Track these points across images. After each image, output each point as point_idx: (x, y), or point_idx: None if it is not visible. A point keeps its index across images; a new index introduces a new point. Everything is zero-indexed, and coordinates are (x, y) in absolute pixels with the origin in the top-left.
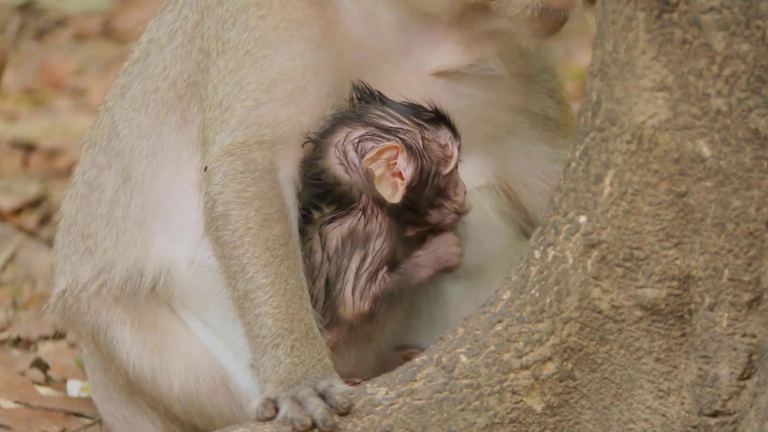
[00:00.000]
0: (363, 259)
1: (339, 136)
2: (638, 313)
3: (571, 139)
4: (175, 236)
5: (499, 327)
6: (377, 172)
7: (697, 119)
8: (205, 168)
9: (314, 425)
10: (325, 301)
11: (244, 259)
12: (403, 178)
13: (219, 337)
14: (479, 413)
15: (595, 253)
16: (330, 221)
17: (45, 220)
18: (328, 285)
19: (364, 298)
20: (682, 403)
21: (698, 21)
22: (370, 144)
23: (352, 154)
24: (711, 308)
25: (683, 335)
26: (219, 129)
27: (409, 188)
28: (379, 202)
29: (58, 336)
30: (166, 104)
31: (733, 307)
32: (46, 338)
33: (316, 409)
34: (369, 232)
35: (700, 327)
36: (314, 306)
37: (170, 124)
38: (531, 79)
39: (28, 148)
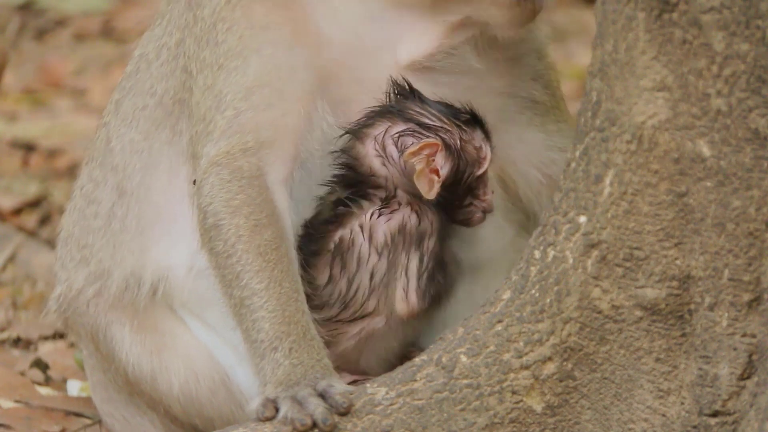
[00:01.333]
0: (421, 260)
1: (379, 129)
2: (638, 313)
3: (566, 125)
4: (173, 244)
5: (499, 327)
6: (418, 167)
7: (697, 119)
8: (194, 182)
9: (314, 425)
10: (364, 294)
11: (238, 267)
12: (439, 176)
13: (221, 337)
14: (479, 413)
15: (595, 253)
16: (378, 215)
17: (45, 220)
18: (372, 279)
19: (425, 298)
20: (682, 403)
21: (698, 21)
22: (410, 140)
23: (391, 148)
24: (711, 308)
25: (683, 335)
26: (204, 142)
27: (444, 186)
28: (415, 197)
29: (58, 336)
30: (155, 121)
31: (733, 307)
32: (46, 338)
33: (316, 408)
34: (422, 231)
35: (700, 327)
36: (340, 300)
37: (161, 139)
38: (515, 62)
39: (28, 148)
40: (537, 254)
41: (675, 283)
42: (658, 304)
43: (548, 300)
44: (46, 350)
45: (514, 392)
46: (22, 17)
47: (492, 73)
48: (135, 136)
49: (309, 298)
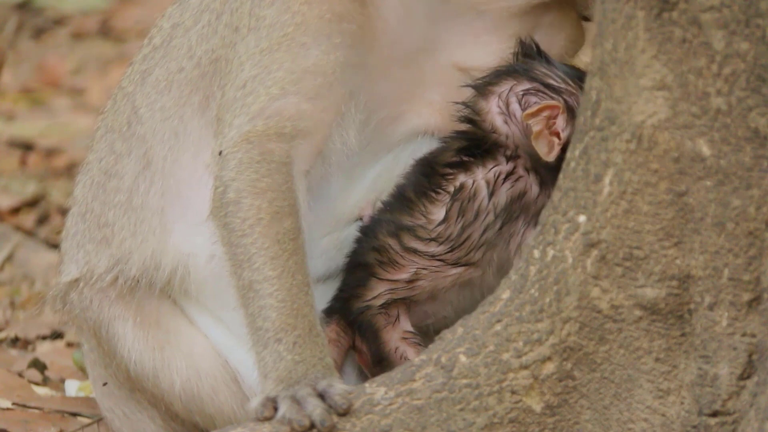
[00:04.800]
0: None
1: (504, 87)
2: (638, 312)
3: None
4: (194, 227)
5: (498, 327)
6: (535, 128)
7: (696, 118)
8: (220, 152)
9: (312, 425)
10: (473, 245)
11: (252, 249)
12: (560, 138)
13: (231, 332)
14: (478, 413)
15: (594, 252)
16: (504, 178)
17: (43, 219)
18: (483, 234)
19: None
20: (682, 403)
21: (698, 20)
22: (534, 99)
23: (514, 106)
24: (711, 308)
25: (683, 335)
26: (238, 113)
27: (564, 149)
28: (535, 159)
29: (56, 336)
30: (190, 83)
31: (732, 307)
32: (43, 338)
33: (315, 409)
34: (542, 204)
35: (700, 327)
36: (450, 242)
37: (193, 105)
38: None
39: (26, 147)
40: (536, 254)
41: (675, 283)
42: (658, 303)
43: (548, 299)
44: (44, 350)
45: (513, 392)
46: (19, 16)
47: None
48: (167, 101)
49: (420, 229)
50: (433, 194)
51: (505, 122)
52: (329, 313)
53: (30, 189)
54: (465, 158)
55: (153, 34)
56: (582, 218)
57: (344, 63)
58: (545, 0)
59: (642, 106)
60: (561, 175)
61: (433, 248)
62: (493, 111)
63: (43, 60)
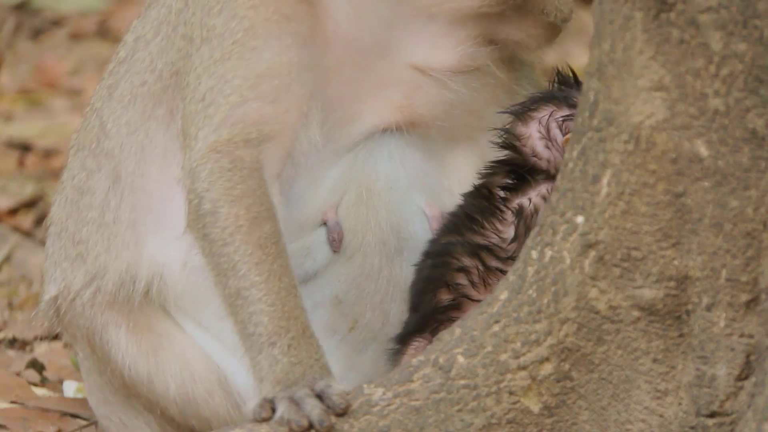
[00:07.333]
0: None
1: (543, 113)
2: (636, 313)
3: None
4: (167, 238)
5: (496, 327)
6: None
7: (694, 119)
8: (189, 167)
9: (311, 426)
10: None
11: (236, 257)
12: None
13: (215, 337)
14: (476, 414)
15: (592, 253)
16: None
17: (41, 220)
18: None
19: None
20: (680, 404)
21: (696, 21)
22: (573, 125)
23: (555, 131)
24: (708, 309)
25: (681, 336)
26: (202, 124)
27: None
28: None
29: (54, 337)
30: (153, 96)
31: (730, 308)
32: (41, 339)
33: (313, 410)
34: None
35: (698, 327)
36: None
37: (157, 118)
38: (517, 74)
39: (24, 148)
40: (534, 254)
41: (672, 284)
42: (656, 304)
43: (545, 300)
44: (41, 351)
45: (511, 393)
46: (17, 17)
47: (500, 85)
48: (132, 116)
49: (496, 248)
50: (500, 213)
51: (547, 147)
52: (409, 336)
53: (28, 190)
54: (513, 181)
55: (119, 48)
56: (580, 219)
57: (298, 63)
58: (494, 6)
59: (640, 106)
60: (559, 176)
61: (510, 266)
62: (534, 136)
63: (40, 61)
